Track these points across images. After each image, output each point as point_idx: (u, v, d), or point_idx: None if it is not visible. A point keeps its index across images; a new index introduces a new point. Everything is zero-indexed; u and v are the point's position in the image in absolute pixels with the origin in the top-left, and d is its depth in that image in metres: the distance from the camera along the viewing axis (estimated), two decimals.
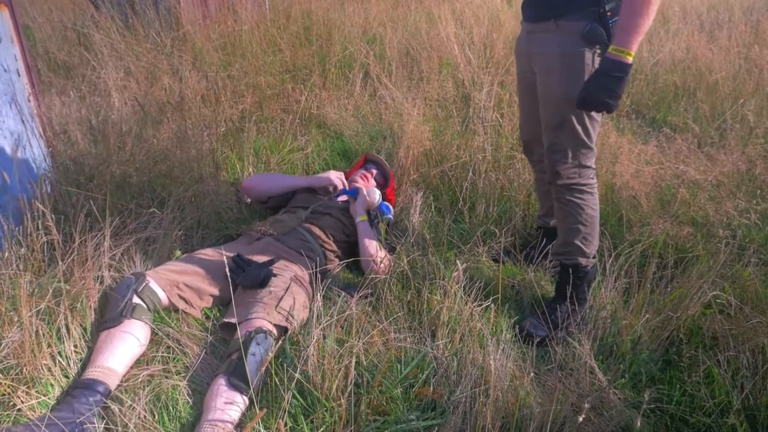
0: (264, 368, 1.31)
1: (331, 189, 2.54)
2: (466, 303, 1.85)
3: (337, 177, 2.53)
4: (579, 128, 1.76)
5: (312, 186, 2.52)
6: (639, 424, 1.21)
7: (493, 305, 1.71)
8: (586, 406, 1.09)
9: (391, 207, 2.56)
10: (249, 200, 2.58)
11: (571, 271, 1.90)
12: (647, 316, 1.74)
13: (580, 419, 1.06)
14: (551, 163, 1.85)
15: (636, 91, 3.96)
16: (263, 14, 4.99)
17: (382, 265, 2.09)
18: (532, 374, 1.59)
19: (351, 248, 2.32)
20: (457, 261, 2.02)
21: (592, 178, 1.87)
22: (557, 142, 1.81)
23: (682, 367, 1.69)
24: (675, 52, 4.50)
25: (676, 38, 4.79)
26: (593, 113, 1.74)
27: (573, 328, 1.82)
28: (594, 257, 1.93)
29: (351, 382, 1.44)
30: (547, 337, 1.83)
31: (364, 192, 2.39)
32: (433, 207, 2.59)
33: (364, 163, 2.75)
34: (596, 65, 1.64)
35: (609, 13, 1.60)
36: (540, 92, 1.82)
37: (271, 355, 1.48)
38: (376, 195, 2.40)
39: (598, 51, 1.65)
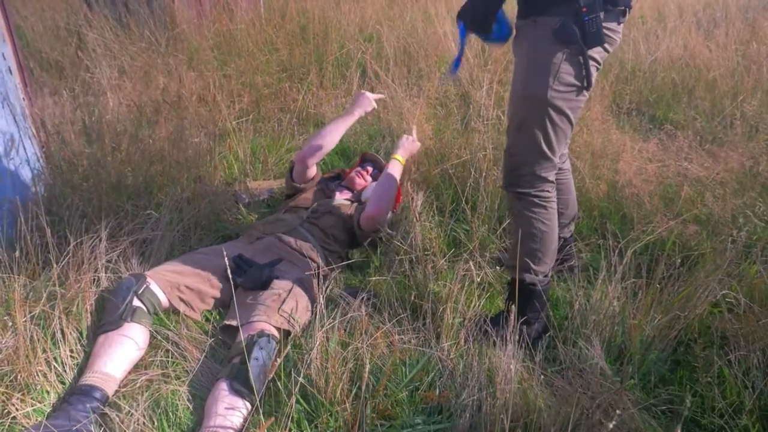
0: (269, 374, 1.27)
1: (334, 186, 2.51)
2: (470, 304, 1.82)
3: (369, 99, 2.51)
4: (539, 134, 1.62)
5: (355, 118, 2.49)
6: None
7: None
8: (618, 413, 1.05)
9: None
10: (300, 184, 2.50)
11: (517, 286, 1.78)
12: (656, 316, 1.71)
13: (611, 426, 1.02)
14: (505, 166, 1.75)
15: (635, 89, 3.94)
16: (258, 12, 4.95)
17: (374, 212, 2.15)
18: (540, 376, 1.56)
19: (353, 246, 2.29)
20: (460, 261, 1.99)
21: (549, 192, 1.73)
22: (515, 143, 1.70)
23: (692, 367, 1.67)
24: (673, 50, 4.49)
25: (673, 36, 4.78)
26: (557, 121, 1.61)
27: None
28: (546, 276, 1.80)
29: (357, 386, 1.41)
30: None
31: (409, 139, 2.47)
32: (434, 206, 2.55)
33: (361, 162, 2.72)
34: (563, 68, 1.53)
35: (585, 9, 1.47)
36: (510, 90, 1.72)
37: (276, 360, 1.44)
38: None
39: (568, 52, 1.52)
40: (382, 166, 2.64)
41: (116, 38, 4.04)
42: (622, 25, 1.60)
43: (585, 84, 1.57)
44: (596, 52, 1.56)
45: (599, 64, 1.61)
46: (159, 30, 4.16)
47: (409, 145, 2.46)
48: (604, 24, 1.51)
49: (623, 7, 1.56)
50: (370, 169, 2.65)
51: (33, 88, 2.54)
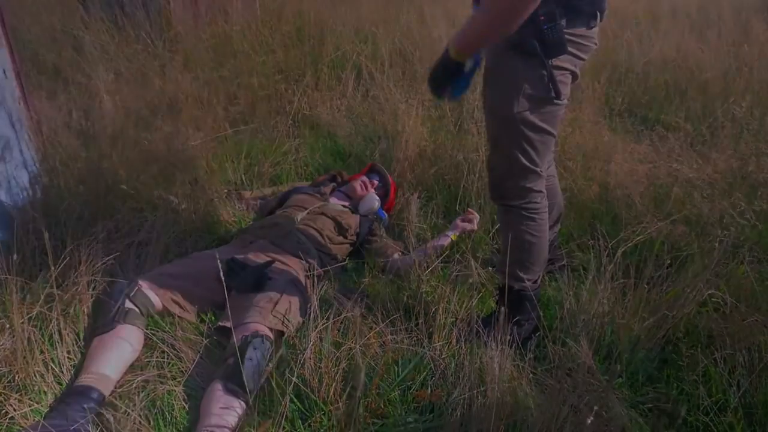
0: (264, 375, 1.30)
1: (327, 190, 2.53)
2: (461, 304, 1.85)
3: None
4: (517, 152, 1.57)
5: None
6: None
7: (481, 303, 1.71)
8: (595, 408, 1.08)
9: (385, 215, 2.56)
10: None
11: (507, 294, 1.78)
12: (644, 315, 1.74)
13: (589, 421, 1.05)
14: (489, 180, 1.73)
15: (628, 90, 3.98)
16: (254, 14, 4.96)
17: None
18: (530, 375, 1.59)
19: (348, 250, 2.31)
20: (453, 262, 2.02)
21: (538, 202, 1.68)
22: (493, 158, 1.68)
23: (679, 366, 1.70)
24: (666, 51, 4.52)
25: (667, 37, 4.82)
26: (533, 136, 1.55)
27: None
28: (535, 282, 1.79)
29: (350, 385, 1.43)
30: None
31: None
32: (428, 207, 2.58)
33: (369, 171, 2.73)
34: (526, 81, 1.47)
35: (543, 18, 1.38)
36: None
37: (271, 361, 1.46)
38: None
39: (529, 63, 1.45)
40: (388, 182, 2.65)
41: (112, 40, 4.05)
42: (594, 29, 1.50)
43: (554, 95, 1.49)
44: (564, 61, 1.48)
45: (571, 71, 1.53)
46: (155, 32, 4.16)
47: (465, 228, 2.37)
48: (569, 30, 1.43)
49: (592, 11, 1.47)
50: (375, 182, 2.63)
51: (29, 91, 2.56)
